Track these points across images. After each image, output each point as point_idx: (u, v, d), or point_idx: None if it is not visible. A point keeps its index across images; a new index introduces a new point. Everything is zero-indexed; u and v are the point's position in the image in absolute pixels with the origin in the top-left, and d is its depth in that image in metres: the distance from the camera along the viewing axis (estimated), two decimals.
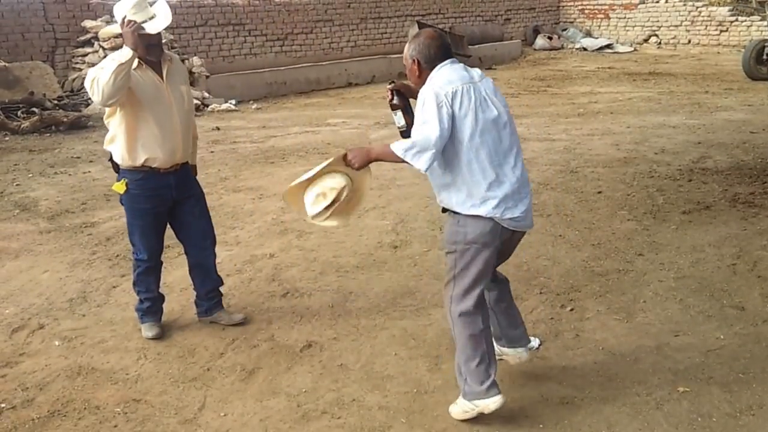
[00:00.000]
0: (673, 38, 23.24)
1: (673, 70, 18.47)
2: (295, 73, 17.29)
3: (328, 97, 16.38)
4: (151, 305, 4.96)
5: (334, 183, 3.85)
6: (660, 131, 10.85)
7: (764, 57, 15.69)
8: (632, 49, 23.55)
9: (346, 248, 6.44)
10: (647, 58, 21.31)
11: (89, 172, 9.61)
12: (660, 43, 23.53)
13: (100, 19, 15.36)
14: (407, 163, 3.55)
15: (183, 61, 15.37)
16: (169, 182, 4.69)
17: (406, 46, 3.79)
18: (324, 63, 18.52)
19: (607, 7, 24.99)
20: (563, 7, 26.25)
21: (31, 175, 9.52)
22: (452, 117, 3.52)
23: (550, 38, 24.38)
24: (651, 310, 5.01)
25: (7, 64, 13.96)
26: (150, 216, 4.73)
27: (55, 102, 13.68)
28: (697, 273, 5.59)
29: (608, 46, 23.73)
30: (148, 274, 4.91)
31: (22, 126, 12.25)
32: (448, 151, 3.58)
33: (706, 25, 22.46)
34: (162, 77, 4.56)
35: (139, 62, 4.44)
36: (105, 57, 4.38)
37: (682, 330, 4.70)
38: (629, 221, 6.81)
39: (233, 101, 15.07)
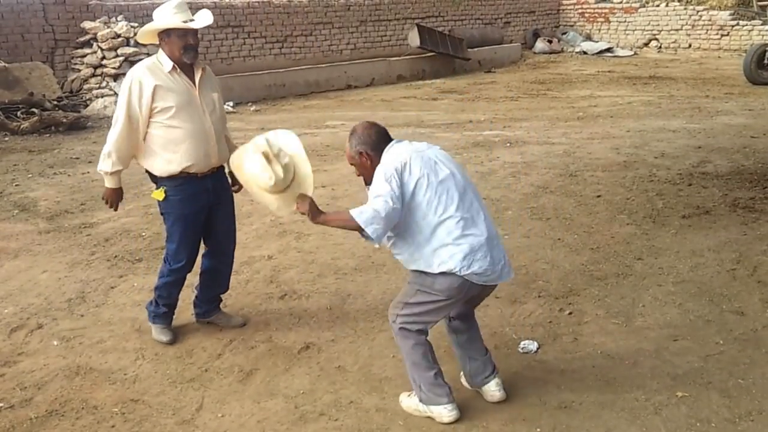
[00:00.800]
0: (674, 42, 23.26)
1: (673, 74, 18.49)
2: (294, 75, 17.28)
3: (327, 99, 16.38)
4: (167, 312, 4.91)
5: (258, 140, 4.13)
6: (660, 135, 10.85)
7: (765, 61, 15.72)
8: (632, 52, 23.58)
9: (345, 250, 6.43)
10: (647, 62, 21.32)
11: (88, 172, 9.60)
12: (660, 47, 23.55)
13: (99, 20, 15.37)
14: (361, 230, 3.57)
15: None
16: (207, 186, 4.69)
17: (347, 145, 3.84)
18: (323, 65, 18.53)
19: (607, 10, 25.01)
20: (563, 10, 26.27)
21: (30, 175, 9.51)
22: (402, 186, 3.58)
23: (550, 42, 24.41)
24: (650, 314, 5.00)
25: (6, 65, 13.96)
26: (190, 221, 4.69)
27: (55, 103, 13.69)
28: (696, 278, 5.58)
29: (608, 49, 23.76)
30: (175, 285, 4.86)
31: (22, 126, 12.25)
32: (408, 218, 3.64)
33: (707, 29, 22.48)
34: (195, 83, 4.56)
35: (173, 66, 4.46)
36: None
37: (681, 334, 4.69)
38: (628, 225, 6.81)
39: (231, 103, 15.06)
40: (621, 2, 24.88)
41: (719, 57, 21.52)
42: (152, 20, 4.50)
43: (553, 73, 19.81)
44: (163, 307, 4.87)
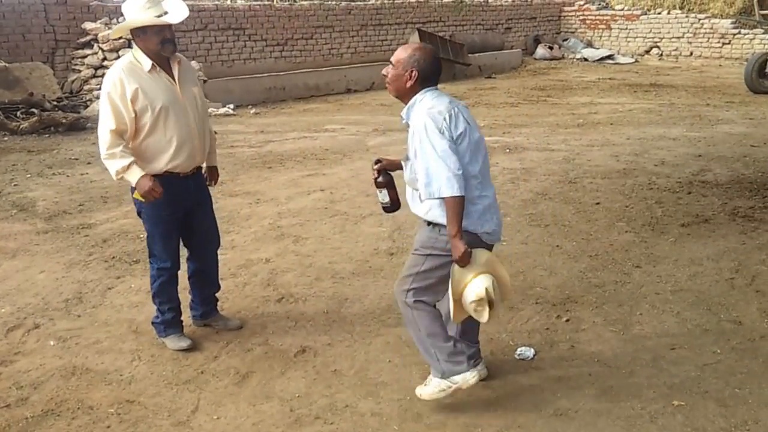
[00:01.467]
0: (675, 50, 23.30)
1: (674, 82, 18.50)
2: (294, 78, 17.28)
3: (327, 103, 16.39)
4: (175, 315, 4.84)
5: (476, 289, 3.70)
6: (660, 143, 10.85)
7: (766, 70, 15.73)
8: (633, 60, 23.61)
9: (342, 254, 6.42)
10: (648, 70, 21.35)
11: (87, 173, 9.60)
12: (661, 54, 23.59)
13: (100, 21, 15.40)
14: (453, 197, 3.53)
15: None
16: (189, 187, 4.63)
17: (408, 50, 3.75)
18: (323, 69, 18.55)
19: (608, 17, 25.06)
20: (564, 17, 26.31)
21: (29, 175, 9.50)
22: (452, 138, 3.58)
23: (551, 48, 24.44)
24: (647, 322, 4.99)
25: (7, 65, 13.98)
26: (170, 222, 4.62)
27: (55, 103, 13.70)
28: (694, 286, 5.57)
29: (609, 56, 23.80)
30: (171, 283, 4.78)
31: (21, 126, 12.25)
32: None
33: (709, 38, 22.52)
34: (174, 79, 4.46)
35: (152, 65, 4.35)
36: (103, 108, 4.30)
37: (679, 343, 4.68)
38: (627, 233, 6.80)
39: (231, 106, 15.08)
40: (622, 9, 24.94)
41: (720, 65, 21.55)
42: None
43: (554, 79, 19.82)
44: (168, 312, 4.80)
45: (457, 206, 3.54)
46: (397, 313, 5.17)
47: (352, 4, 21.59)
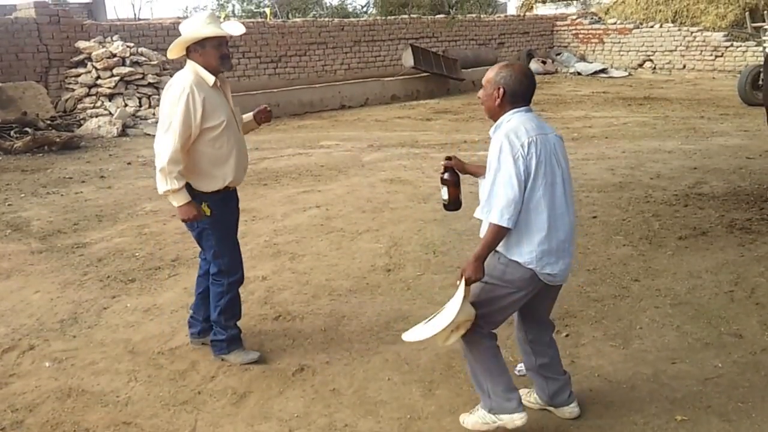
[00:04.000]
0: (668, 63, 23.40)
1: (668, 95, 18.55)
2: (288, 95, 17.28)
3: (321, 119, 16.38)
4: (239, 330, 4.84)
5: (465, 314, 3.63)
6: (655, 156, 10.85)
7: (760, 82, 15.74)
8: (627, 73, 23.71)
9: (339, 271, 6.39)
10: (642, 83, 21.42)
11: (81, 192, 9.56)
12: (655, 67, 23.68)
13: (93, 39, 15.44)
14: (500, 226, 3.46)
15: None
16: (237, 198, 4.81)
17: (495, 69, 3.68)
18: (317, 85, 18.58)
19: (601, 31, 25.18)
20: (557, 31, 26.42)
21: (23, 195, 9.46)
22: (525, 167, 3.45)
23: (544, 62, 24.53)
24: (647, 336, 4.96)
25: (0, 84, 13.94)
26: (234, 233, 4.74)
27: (48, 122, 13.69)
28: (694, 299, 5.54)
29: (603, 70, 23.90)
30: (238, 296, 4.81)
31: (15, 146, 12.23)
32: None
33: (701, 50, 22.62)
34: (226, 96, 4.55)
35: (214, 80, 4.41)
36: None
37: (680, 357, 4.64)
38: (625, 246, 6.78)
39: None
40: (615, 23, 25.04)
41: (714, 78, 21.63)
42: (180, 34, 4.42)
43: (548, 93, 19.86)
44: (234, 328, 4.79)
45: (497, 235, 3.48)
46: (395, 330, 5.14)
47: (345, 20, 21.66)
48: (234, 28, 4.56)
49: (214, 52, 4.39)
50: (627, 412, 4.05)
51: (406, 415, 4.09)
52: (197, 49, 4.38)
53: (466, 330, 3.68)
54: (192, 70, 4.40)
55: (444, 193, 3.99)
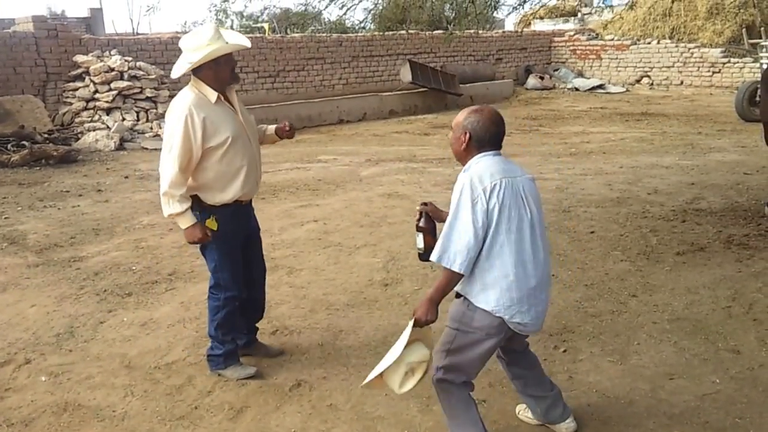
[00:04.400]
0: (666, 79, 23.47)
1: (665, 110, 18.60)
2: (286, 109, 17.31)
3: (319, 133, 16.41)
4: (236, 346, 4.83)
5: (419, 356, 3.62)
6: (653, 171, 10.86)
7: (757, 99, 15.77)
8: (624, 89, 23.77)
9: (337, 286, 6.37)
10: (639, 99, 21.48)
11: (78, 206, 9.56)
12: (652, 83, 23.75)
13: (91, 54, 15.46)
14: (453, 271, 3.41)
15: (171, 97, 15.48)
16: (249, 213, 4.76)
17: (464, 113, 3.64)
18: (316, 100, 18.62)
19: (599, 47, 25.26)
20: (555, 47, 26.51)
21: (20, 208, 9.45)
22: (486, 211, 3.39)
23: (542, 78, 24.59)
24: (645, 352, 4.95)
25: None
26: (238, 250, 4.67)
27: (46, 136, 13.70)
28: (691, 315, 5.54)
29: (600, 86, 23.97)
30: (235, 312, 4.77)
31: (12, 159, 12.23)
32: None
33: (699, 67, 22.69)
34: (235, 108, 4.53)
35: (218, 96, 4.40)
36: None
37: (677, 373, 4.63)
38: (622, 262, 6.77)
39: None
40: (612, 39, 25.13)
41: (711, 94, 21.69)
42: (183, 52, 4.37)
43: (545, 109, 19.91)
44: (230, 343, 4.77)
45: (450, 280, 3.44)
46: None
47: (344, 36, 21.70)
48: (242, 39, 4.60)
49: (226, 68, 4.41)
50: (625, 428, 4.03)
51: (403, 430, 4.08)
52: (211, 65, 4.34)
53: (423, 374, 3.63)
54: (193, 89, 4.38)
55: (419, 241, 3.83)
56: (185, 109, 4.27)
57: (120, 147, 14.05)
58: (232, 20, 33.64)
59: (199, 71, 4.36)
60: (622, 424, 4.07)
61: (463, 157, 3.61)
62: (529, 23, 29.42)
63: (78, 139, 14.21)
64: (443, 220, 3.70)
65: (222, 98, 4.44)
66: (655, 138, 14.33)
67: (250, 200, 4.72)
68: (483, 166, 3.50)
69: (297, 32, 20.63)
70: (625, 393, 4.41)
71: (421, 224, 3.83)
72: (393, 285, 6.36)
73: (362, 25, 31.13)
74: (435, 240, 3.66)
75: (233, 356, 4.79)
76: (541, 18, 29.62)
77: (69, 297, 6.27)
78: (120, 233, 8.23)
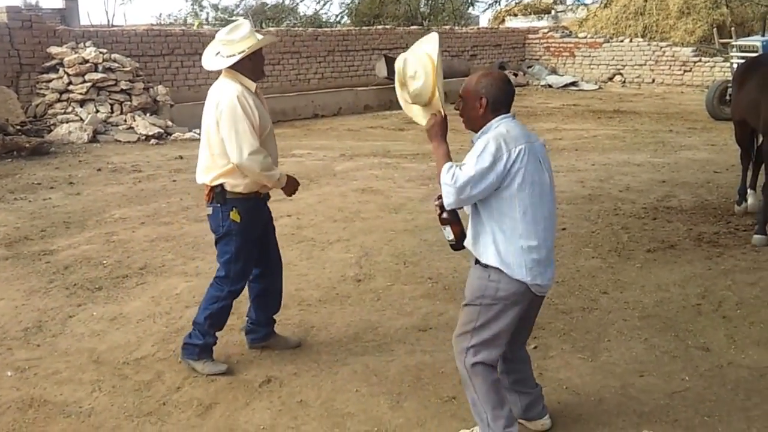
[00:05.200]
0: (638, 77, 23.62)
1: (637, 108, 18.71)
2: None
3: (294, 128, 16.33)
4: (215, 341, 4.83)
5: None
6: (624, 169, 10.93)
7: (727, 97, 15.93)
8: (597, 87, 23.89)
9: (309, 281, 6.35)
10: (612, 96, 21.59)
11: (50, 198, 9.45)
12: (624, 81, 23.89)
13: (66, 45, 15.27)
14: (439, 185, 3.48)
15: (147, 89, 15.35)
16: (266, 205, 4.83)
17: (474, 78, 3.64)
18: (291, 94, 18.54)
19: (572, 45, 25.36)
20: (529, 44, 26.58)
21: None
22: (504, 175, 3.39)
23: (516, 75, 24.63)
24: (615, 349, 4.97)
25: None
26: (256, 243, 4.73)
27: (18, 127, 13.49)
28: (662, 312, 5.57)
29: (573, 83, 24.07)
30: (230, 308, 4.82)
31: None
32: (494, 205, 3.47)
33: (670, 65, 22.86)
34: (262, 101, 4.61)
35: (256, 87, 4.54)
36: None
37: (647, 370, 4.66)
38: (594, 259, 6.81)
39: (197, 130, 14.89)
40: (586, 37, 25.25)
41: (682, 92, 21.85)
42: (219, 44, 4.52)
43: (519, 105, 19.94)
44: (213, 337, 4.77)
45: (438, 169, 3.55)
46: (364, 341, 5.13)
47: (319, 30, 21.64)
48: (268, 36, 4.78)
49: (261, 60, 4.59)
50: (595, 426, 4.05)
51: (373, 427, 4.07)
52: (250, 57, 4.47)
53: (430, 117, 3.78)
54: (235, 80, 4.48)
55: (447, 233, 3.72)
56: (234, 100, 4.37)
57: (93, 139, 13.90)
58: (208, 12, 33.42)
59: (238, 63, 4.45)
60: (592, 422, 4.09)
61: (480, 123, 3.60)
62: (504, 20, 29.54)
63: (51, 131, 14.03)
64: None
65: (258, 90, 4.58)
66: (627, 135, 14.42)
67: (267, 194, 4.81)
68: (504, 128, 3.50)
69: (272, 26, 20.54)
70: (596, 390, 4.43)
71: (444, 216, 3.72)
72: (366, 281, 6.35)
73: (338, 19, 31.06)
74: (461, 227, 3.69)
75: (209, 351, 4.77)
76: (516, 15, 29.76)
77: (38, 291, 6.19)
78: (91, 226, 8.14)
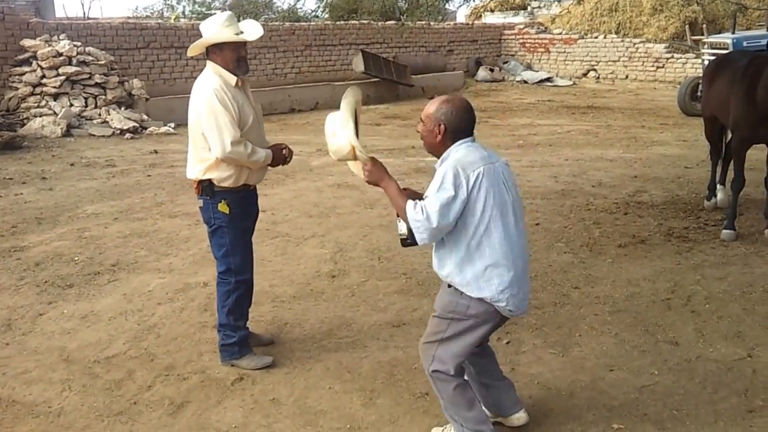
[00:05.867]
0: (611, 73, 23.76)
1: (610, 104, 18.83)
2: None
3: (270, 122, 16.23)
4: (247, 332, 4.83)
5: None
6: (597, 164, 10.99)
7: (698, 93, 16.04)
8: (571, 82, 24.02)
9: (283, 277, 6.34)
10: (586, 92, 21.72)
11: (21, 194, 9.36)
12: (598, 77, 24.02)
13: (39, 38, 15.12)
14: (409, 225, 3.46)
15: (123, 83, 15.22)
16: (256, 197, 4.88)
17: (433, 104, 3.59)
18: (267, 89, 18.46)
19: (547, 41, 25.47)
20: (505, 40, 26.66)
21: None
22: (467, 200, 3.39)
23: (492, 70, 24.74)
24: (586, 344, 5.01)
25: None
26: (248, 233, 4.79)
27: None
28: (632, 307, 5.62)
29: (548, 79, 24.18)
30: (246, 295, 4.82)
31: None
32: (459, 230, 3.46)
33: (643, 61, 23.02)
34: (247, 94, 4.61)
35: (236, 80, 4.50)
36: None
37: (617, 365, 4.70)
38: (566, 254, 6.85)
39: (172, 124, 14.88)
40: (560, 33, 25.36)
41: (655, 88, 22.00)
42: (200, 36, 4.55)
43: (495, 101, 20.02)
44: (243, 329, 4.77)
45: (400, 213, 3.53)
46: (338, 338, 5.13)
47: (296, 24, 21.57)
48: (251, 32, 4.62)
49: (232, 55, 4.50)
50: (565, 420, 4.08)
51: (346, 425, 4.07)
52: (215, 50, 4.50)
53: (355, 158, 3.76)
54: (214, 72, 4.50)
55: (401, 227, 3.69)
56: (218, 89, 4.38)
57: (67, 133, 13.77)
58: (184, 6, 33.14)
59: (210, 56, 4.52)
60: (563, 416, 4.12)
61: (439, 148, 3.58)
62: (480, 16, 29.57)
63: (24, 125, 13.90)
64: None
65: (239, 83, 4.55)
66: (600, 131, 14.51)
67: (255, 186, 4.81)
68: (462, 154, 3.49)
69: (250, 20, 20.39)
70: (566, 385, 4.46)
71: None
72: (340, 276, 6.35)
73: (315, 14, 30.95)
74: None
75: (247, 345, 4.78)
76: (492, 11, 29.77)
77: (8, 288, 6.14)
78: (63, 222, 8.08)
